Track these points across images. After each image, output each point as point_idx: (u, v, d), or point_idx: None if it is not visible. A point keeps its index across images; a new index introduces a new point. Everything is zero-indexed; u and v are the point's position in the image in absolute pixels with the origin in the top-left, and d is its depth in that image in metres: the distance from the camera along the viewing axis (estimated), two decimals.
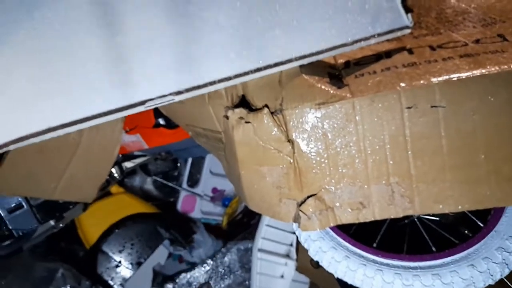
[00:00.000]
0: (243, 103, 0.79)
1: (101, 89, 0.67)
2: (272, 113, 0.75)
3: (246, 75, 0.74)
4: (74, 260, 1.54)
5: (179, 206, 1.87)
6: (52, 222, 1.30)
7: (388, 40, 0.87)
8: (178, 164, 1.88)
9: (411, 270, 0.75)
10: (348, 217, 0.75)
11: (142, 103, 0.70)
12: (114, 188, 1.69)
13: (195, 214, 1.87)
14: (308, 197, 0.76)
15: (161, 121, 1.20)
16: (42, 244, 1.47)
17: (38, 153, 0.99)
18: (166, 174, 1.88)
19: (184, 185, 1.88)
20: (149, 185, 1.94)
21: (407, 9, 0.89)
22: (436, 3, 1.03)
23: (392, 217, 0.74)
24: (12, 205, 1.17)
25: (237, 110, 0.76)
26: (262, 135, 0.75)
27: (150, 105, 0.71)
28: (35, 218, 1.22)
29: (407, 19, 0.86)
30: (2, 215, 1.15)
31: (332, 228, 0.86)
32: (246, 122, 0.76)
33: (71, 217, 1.40)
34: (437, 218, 0.92)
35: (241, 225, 1.70)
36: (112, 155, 1.11)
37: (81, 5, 0.68)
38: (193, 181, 1.91)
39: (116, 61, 0.69)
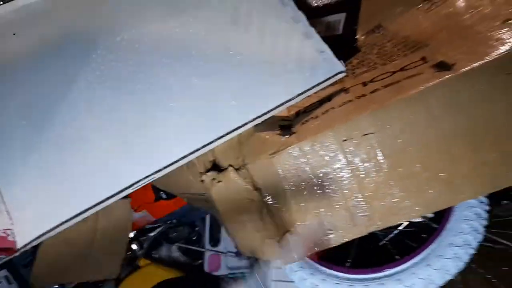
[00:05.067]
0: (214, 166, 0.94)
1: (91, 184, 0.81)
2: (237, 169, 0.88)
3: (211, 144, 0.86)
4: None
5: (206, 266, 1.95)
6: None
7: (331, 84, 0.97)
8: (197, 228, 2.00)
9: (377, 280, 0.82)
10: (321, 245, 0.84)
11: (130, 186, 0.83)
12: (142, 261, 1.82)
13: (222, 271, 1.94)
14: (285, 233, 0.87)
15: (163, 195, 1.34)
16: None
17: (62, 242, 1.14)
18: (188, 239, 1.99)
19: (207, 245, 1.97)
20: (175, 252, 2.04)
21: (342, 57, 1.00)
22: (380, 38, 1.10)
23: (359, 236, 0.83)
24: None
25: (209, 173, 0.90)
26: (233, 189, 0.89)
27: (137, 186, 0.85)
28: None
29: (340, 65, 0.98)
30: None
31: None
32: (218, 182, 0.90)
33: None
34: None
35: None
36: (126, 233, 1.25)
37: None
38: (215, 240, 2.00)
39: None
